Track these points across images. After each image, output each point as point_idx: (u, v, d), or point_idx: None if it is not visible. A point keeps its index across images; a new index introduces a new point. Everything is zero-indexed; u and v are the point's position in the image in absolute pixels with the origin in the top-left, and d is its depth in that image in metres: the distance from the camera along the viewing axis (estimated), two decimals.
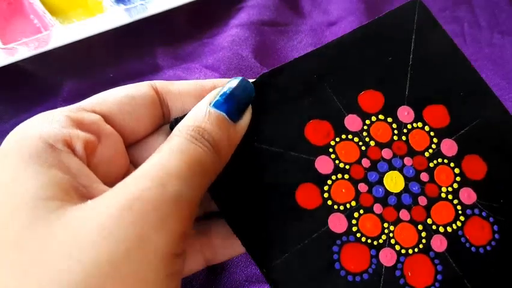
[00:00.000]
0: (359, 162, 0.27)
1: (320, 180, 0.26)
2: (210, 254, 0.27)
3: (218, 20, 0.47)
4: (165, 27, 0.46)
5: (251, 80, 0.27)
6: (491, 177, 0.27)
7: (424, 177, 0.27)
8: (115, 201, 0.19)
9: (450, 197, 0.27)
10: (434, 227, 0.26)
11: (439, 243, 0.26)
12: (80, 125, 0.23)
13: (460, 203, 0.26)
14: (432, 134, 0.28)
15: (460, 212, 0.26)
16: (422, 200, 0.26)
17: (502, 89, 0.41)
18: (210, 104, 0.24)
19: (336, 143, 0.27)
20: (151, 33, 0.45)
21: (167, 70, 0.44)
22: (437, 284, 0.25)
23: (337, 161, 0.26)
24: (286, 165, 0.26)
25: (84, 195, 0.21)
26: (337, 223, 0.25)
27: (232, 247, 0.27)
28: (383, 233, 0.25)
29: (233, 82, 0.25)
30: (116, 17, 0.43)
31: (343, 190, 0.26)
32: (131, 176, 0.21)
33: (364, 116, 0.28)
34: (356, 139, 0.27)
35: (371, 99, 0.28)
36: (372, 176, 0.26)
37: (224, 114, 0.24)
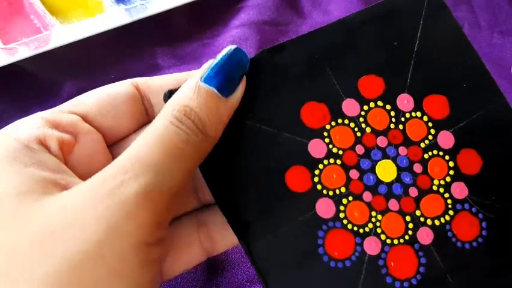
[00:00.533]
0: (352, 148, 0.26)
1: (312, 163, 0.26)
2: (209, 245, 0.27)
3: (218, 20, 0.47)
4: (165, 27, 0.46)
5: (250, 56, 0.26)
6: (485, 173, 0.27)
7: (417, 168, 0.26)
8: (87, 193, 0.20)
9: (441, 190, 0.26)
10: (422, 219, 0.26)
11: (425, 236, 0.25)
12: (55, 125, 0.23)
13: (451, 197, 0.26)
14: (430, 124, 0.27)
15: (449, 206, 0.26)
16: (413, 191, 0.26)
17: (502, 89, 0.41)
18: (201, 78, 0.23)
19: (332, 127, 0.26)
20: (152, 33, 0.45)
21: (167, 70, 0.44)
22: (418, 277, 0.25)
23: (330, 146, 0.26)
24: (279, 146, 0.26)
25: (64, 187, 0.21)
26: (325, 208, 0.25)
27: (231, 236, 0.27)
28: (370, 221, 0.25)
29: (225, 52, 0.24)
30: (116, 17, 0.43)
31: (334, 175, 0.26)
32: (107, 168, 0.21)
33: (363, 101, 0.27)
34: (352, 124, 0.27)
35: (371, 84, 0.27)
36: (365, 164, 0.26)
37: (214, 89, 0.23)
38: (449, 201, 0.26)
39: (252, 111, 0.26)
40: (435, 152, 0.27)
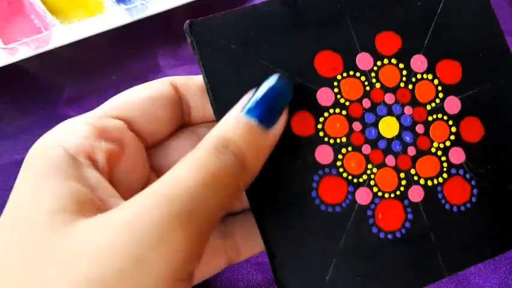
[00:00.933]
0: (359, 101, 0.27)
1: (318, 110, 0.26)
2: (234, 254, 0.27)
3: None
4: (166, 27, 0.45)
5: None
6: (485, 143, 0.28)
7: (420, 129, 0.27)
8: (119, 217, 0.19)
9: (439, 153, 0.27)
10: (415, 177, 0.27)
11: (416, 194, 0.26)
12: (103, 133, 0.22)
13: (448, 160, 0.27)
14: (439, 88, 0.28)
15: (444, 169, 0.27)
16: (411, 150, 0.27)
17: None
18: (243, 110, 0.23)
19: (343, 78, 0.27)
20: (152, 33, 0.45)
21: (168, 70, 0.43)
22: (403, 231, 0.26)
23: (339, 96, 0.27)
24: None
25: (99, 208, 0.20)
26: (323, 154, 0.26)
27: (256, 245, 0.27)
28: (365, 172, 0.26)
29: (269, 83, 0.24)
30: (116, 17, 0.42)
31: (337, 125, 0.26)
32: (141, 193, 0.20)
33: (377, 56, 0.27)
34: (362, 78, 0.27)
35: (388, 41, 0.28)
36: (369, 118, 0.27)
37: (255, 121, 0.22)
38: (444, 164, 0.27)
39: (266, 51, 0.26)
40: (439, 115, 0.27)
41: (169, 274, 0.19)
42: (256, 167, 0.23)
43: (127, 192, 0.23)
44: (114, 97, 0.25)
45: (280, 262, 0.25)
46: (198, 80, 0.27)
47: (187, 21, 0.26)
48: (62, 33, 0.41)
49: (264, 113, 0.23)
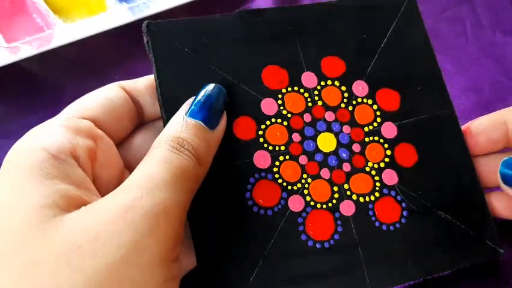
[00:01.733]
0: (301, 114, 0.28)
1: (260, 118, 0.28)
2: None
3: None
4: None
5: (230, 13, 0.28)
6: (418, 169, 0.29)
7: (356, 147, 0.28)
8: (109, 209, 0.20)
9: (373, 172, 0.28)
10: (348, 192, 0.27)
11: (347, 208, 0.27)
12: (78, 132, 0.23)
13: (381, 181, 0.28)
14: (378, 113, 0.29)
15: (377, 188, 0.28)
16: (346, 167, 0.28)
17: (503, 87, 0.43)
18: (186, 113, 0.25)
19: (287, 92, 0.28)
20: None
21: None
22: (331, 241, 0.26)
23: (282, 107, 0.28)
24: (234, 95, 0.28)
25: (85, 204, 0.21)
26: (261, 159, 0.27)
27: None
28: (299, 181, 0.27)
29: (206, 90, 0.26)
30: (119, 16, 0.43)
31: (277, 133, 0.28)
32: (121, 186, 0.21)
33: (321, 77, 0.29)
34: (306, 94, 0.29)
35: (333, 64, 0.30)
36: (309, 131, 0.28)
37: (200, 122, 0.24)
38: (377, 184, 0.28)
39: (217, 58, 0.28)
40: (376, 138, 0.29)
41: (164, 257, 0.20)
42: (208, 162, 0.25)
43: (104, 188, 0.23)
44: (73, 103, 0.26)
45: (206, 256, 0.25)
46: (146, 80, 0.28)
47: (145, 22, 0.28)
48: (64, 32, 0.41)
49: (207, 116, 0.25)
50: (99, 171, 0.24)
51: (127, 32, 0.43)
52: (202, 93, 0.26)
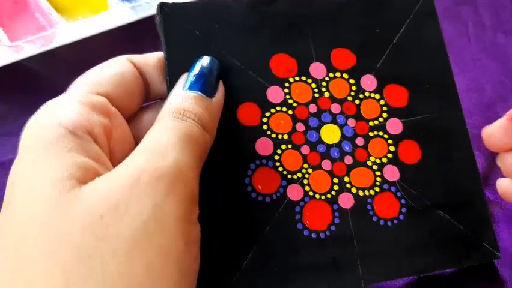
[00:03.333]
0: (307, 104, 0.28)
1: (265, 105, 0.28)
2: None
3: None
4: None
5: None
6: (420, 167, 0.29)
7: (360, 141, 0.28)
8: (124, 175, 0.20)
9: (375, 167, 0.28)
10: (348, 185, 0.28)
11: (346, 200, 0.27)
12: (94, 108, 0.23)
13: (382, 176, 0.28)
14: (385, 109, 0.29)
15: (377, 183, 0.28)
16: (348, 159, 0.28)
17: (505, 87, 0.42)
18: (184, 87, 0.25)
19: (295, 81, 0.28)
20: (157, 31, 0.45)
21: None
22: (328, 232, 0.27)
23: (288, 96, 0.28)
24: (241, 80, 0.28)
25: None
26: (263, 146, 0.27)
27: None
28: (300, 171, 0.27)
29: (198, 62, 0.27)
30: (121, 15, 0.43)
31: (281, 122, 0.28)
32: (133, 153, 0.22)
33: (330, 68, 0.29)
34: (313, 85, 0.29)
35: (343, 57, 0.29)
36: (313, 121, 0.28)
37: (199, 92, 0.25)
38: (378, 179, 0.28)
39: (226, 43, 0.28)
40: (380, 133, 0.29)
41: (183, 217, 0.20)
42: (213, 129, 0.25)
43: (119, 163, 0.23)
44: (85, 75, 0.26)
45: (205, 237, 0.25)
46: (155, 57, 0.28)
47: (160, 2, 0.28)
48: (67, 31, 0.41)
49: (204, 85, 0.25)
50: (114, 147, 0.24)
51: (130, 31, 0.43)
52: (196, 66, 0.26)
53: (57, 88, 0.41)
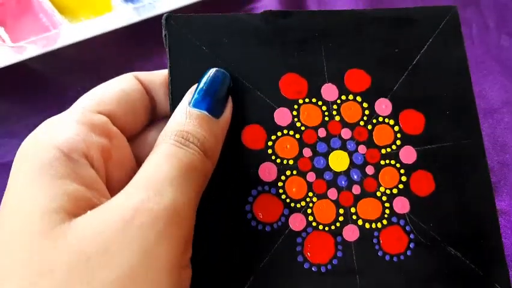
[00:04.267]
0: (316, 128, 0.27)
1: (272, 128, 0.26)
2: None
3: None
4: None
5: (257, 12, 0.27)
6: (433, 200, 0.27)
7: (369, 170, 0.27)
8: (116, 214, 0.19)
9: (384, 198, 0.27)
10: (354, 216, 0.26)
11: (351, 233, 0.26)
12: (93, 129, 0.22)
13: (391, 208, 0.27)
14: (399, 135, 0.28)
15: (386, 215, 0.26)
16: (356, 189, 0.26)
17: (509, 91, 0.41)
18: (189, 103, 0.24)
19: (304, 103, 0.27)
20: (160, 32, 0.44)
21: None
22: (329, 266, 0.25)
23: (296, 119, 0.27)
24: (248, 101, 0.26)
25: (94, 206, 0.20)
26: (266, 172, 0.26)
27: None
28: (304, 199, 0.26)
29: (208, 76, 0.25)
30: (124, 16, 0.42)
31: (287, 146, 0.26)
32: (127, 187, 0.20)
33: (343, 90, 0.28)
34: (324, 108, 0.27)
35: (358, 78, 0.28)
36: (322, 147, 0.27)
37: (205, 112, 0.24)
38: (387, 211, 0.27)
39: (234, 60, 0.26)
40: (392, 162, 0.27)
41: (174, 263, 0.20)
42: (216, 154, 0.24)
43: (116, 188, 0.22)
44: (89, 93, 0.25)
45: (198, 265, 0.24)
46: (161, 74, 0.27)
47: (165, 14, 0.26)
48: (70, 32, 0.41)
49: (211, 104, 0.24)
50: (112, 170, 0.23)
51: (133, 32, 0.43)
52: (204, 79, 0.25)
53: (60, 89, 0.41)
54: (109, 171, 0.23)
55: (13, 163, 0.21)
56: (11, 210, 0.20)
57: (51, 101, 0.40)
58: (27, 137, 0.22)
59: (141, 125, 0.26)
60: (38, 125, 0.23)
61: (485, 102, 0.39)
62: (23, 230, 0.19)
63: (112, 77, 0.40)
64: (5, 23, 0.42)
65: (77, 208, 0.19)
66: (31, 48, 0.39)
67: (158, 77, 0.27)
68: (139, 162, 0.26)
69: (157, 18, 0.43)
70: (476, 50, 0.44)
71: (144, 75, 0.26)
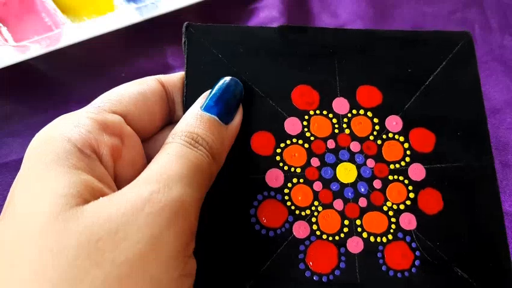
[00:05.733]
0: (325, 140, 0.27)
1: (281, 136, 0.27)
2: None
3: (228, 21, 0.46)
4: (176, 26, 0.44)
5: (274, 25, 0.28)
6: (441, 218, 0.27)
7: (377, 184, 0.27)
8: (127, 201, 0.20)
9: (391, 213, 0.26)
10: (359, 229, 0.26)
11: (355, 245, 0.26)
12: (105, 128, 0.23)
13: (397, 223, 0.26)
14: (408, 152, 0.28)
15: (391, 230, 0.26)
16: (362, 202, 0.26)
17: (511, 91, 0.41)
18: (201, 107, 0.25)
19: (315, 114, 0.27)
20: (162, 32, 0.45)
21: (177, 69, 0.43)
22: (331, 277, 0.25)
23: (305, 129, 0.27)
24: (260, 108, 0.27)
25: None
26: (273, 178, 0.26)
27: None
28: (309, 208, 0.26)
29: (222, 83, 0.26)
30: (127, 16, 0.43)
31: (296, 154, 0.27)
32: (138, 179, 0.21)
33: (354, 105, 0.28)
34: (334, 120, 0.28)
35: (370, 94, 0.28)
36: (330, 158, 0.27)
37: (215, 117, 0.24)
38: (393, 226, 0.26)
39: (249, 69, 0.27)
40: (401, 178, 0.27)
41: (181, 251, 0.20)
42: (222, 158, 0.25)
43: (126, 185, 0.23)
44: (108, 92, 0.26)
45: (202, 262, 0.24)
46: (180, 76, 0.28)
47: (186, 23, 0.28)
48: (72, 31, 0.41)
49: (223, 110, 0.25)
50: (122, 169, 0.24)
51: (135, 32, 0.43)
52: (217, 86, 0.26)
53: (62, 88, 0.42)
54: (118, 169, 0.23)
55: (26, 154, 0.22)
56: (26, 190, 0.20)
57: (54, 101, 0.40)
58: (41, 130, 0.23)
59: (157, 128, 0.27)
60: (40, 125, 0.23)
61: (487, 103, 0.39)
62: (37, 210, 0.19)
63: (114, 77, 0.40)
64: (7, 22, 0.42)
65: (92, 196, 0.20)
66: (34, 48, 0.40)
67: (180, 81, 0.27)
68: (150, 160, 0.26)
69: (159, 18, 0.43)
70: (479, 50, 0.44)
71: (166, 78, 0.27)
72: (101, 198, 0.20)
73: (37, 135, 0.23)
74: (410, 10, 0.47)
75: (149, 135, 0.27)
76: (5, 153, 0.37)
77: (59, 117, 0.24)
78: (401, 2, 0.47)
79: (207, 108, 0.25)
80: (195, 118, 0.24)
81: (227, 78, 0.26)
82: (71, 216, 0.19)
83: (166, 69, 0.44)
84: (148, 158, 0.26)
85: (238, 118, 0.26)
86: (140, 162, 0.25)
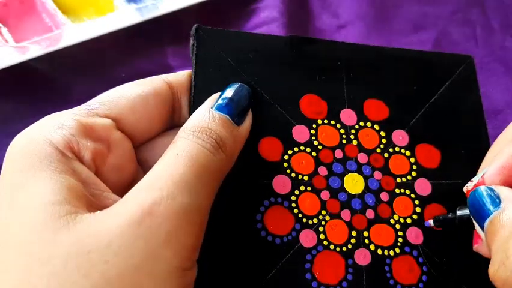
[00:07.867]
0: (333, 149, 0.27)
1: (289, 142, 0.26)
2: None
3: (228, 21, 0.46)
4: (176, 27, 0.45)
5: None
6: (447, 235, 0.26)
7: (384, 196, 0.26)
8: (125, 214, 0.19)
9: (398, 226, 0.26)
10: (367, 241, 0.25)
11: (363, 257, 0.25)
12: (90, 131, 0.22)
13: (404, 237, 0.26)
14: (414, 167, 0.27)
15: (399, 244, 0.26)
16: (370, 213, 0.26)
17: None
18: (212, 107, 0.24)
19: (323, 123, 0.27)
20: (162, 32, 0.45)
21: (177, 70, 0.42)
22: None
23: (313, 138, 0.27)
24: (268, 114, 0.27)
25: (92, 204, 0.20)
26: (281, 184, 0.25)
27: None
28: (316, 217, 0.25)
29: (232, 86, 0.25)
30: (127, 16, 0.43)
31: (303, 162, 0.26)
32: (140, 185, 0.20)
33: (362, 117, 0.28)
34: (342, 130, 0.27)
35: (376, 108, 0.28)
36: (338, 167, 0.26)
37: (227, 116, 0.24)
38: (400, 239, 0.26)
39: (258, 75, 0.27)
40: (407, 192, 0.27)
41: (179, 266, 0.19)
42: (233, 157, 0.24)
43: (114, 189, 0.22)
44: (106, 92, 0.25)
45: (207, 272, 0.23)
46: (188, 74, 0.27)
47: (196, 25, 0.27)
48: (73, 32, 0.41)
49: (234, 111, 0.24)
50: (106, 175, 0.23)
51: (135, 32, 0.43)
52: (228, 89, 0.25)
53: (62, 88, 0.41)
54: (102, 174, 0.22)
55: (6, 157, 0.21)
56: (13, 203, 0.19)
57: (55, 101, 0.40)
58: (23, 131, 0.22)
59: (156, 132, 0.26)
60: None
61: (489, 103, 0.39)
62: (25, 221, 0.19)
63: (114, 77, 0.40)
64: (8, 23, 0.42)
65: (79, 202, 0.19)
66: (34, 49, 0.39)
67: (187, 79, 0.27)
68: (145, 163, 0.25)
69: (159, 19, 0.43)
70: (480, 50, 0.45)
71: (174, 77, 0.26)
72: (98, 212, 0.19)
73: (18, 136, 0.22)
74: (411, 10, 0.47)
75: (146, 139, 0.26)
76: (5, 154, 0.35)
77: (46, 117, 0.23)
78: (402, 2, 0.48)
79: (218, 108, 0.24)
80: (207, 115, 0.23)
81: (237, 84, 0.26)
82: (61, 225, 0.18)
83: (166, 70, 0.43)
84: (143, 162, 0.25)
85: (248, 121, 0.25)
86: (128, 169, 0.24)
